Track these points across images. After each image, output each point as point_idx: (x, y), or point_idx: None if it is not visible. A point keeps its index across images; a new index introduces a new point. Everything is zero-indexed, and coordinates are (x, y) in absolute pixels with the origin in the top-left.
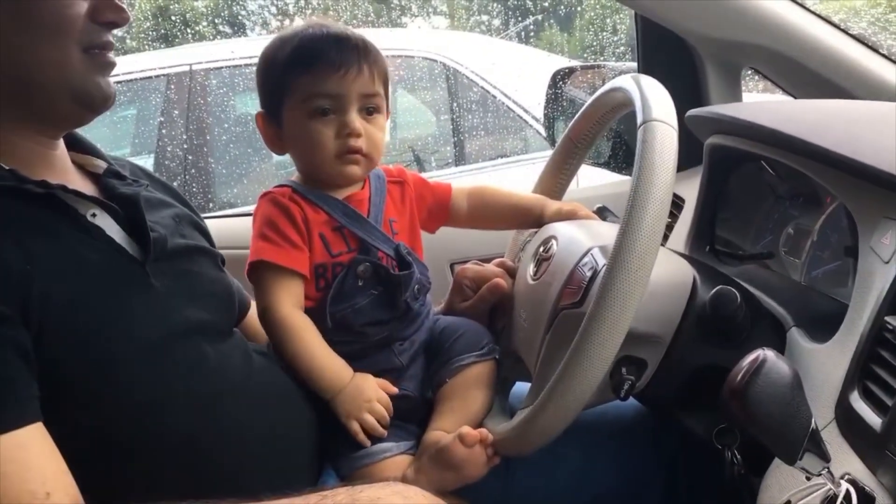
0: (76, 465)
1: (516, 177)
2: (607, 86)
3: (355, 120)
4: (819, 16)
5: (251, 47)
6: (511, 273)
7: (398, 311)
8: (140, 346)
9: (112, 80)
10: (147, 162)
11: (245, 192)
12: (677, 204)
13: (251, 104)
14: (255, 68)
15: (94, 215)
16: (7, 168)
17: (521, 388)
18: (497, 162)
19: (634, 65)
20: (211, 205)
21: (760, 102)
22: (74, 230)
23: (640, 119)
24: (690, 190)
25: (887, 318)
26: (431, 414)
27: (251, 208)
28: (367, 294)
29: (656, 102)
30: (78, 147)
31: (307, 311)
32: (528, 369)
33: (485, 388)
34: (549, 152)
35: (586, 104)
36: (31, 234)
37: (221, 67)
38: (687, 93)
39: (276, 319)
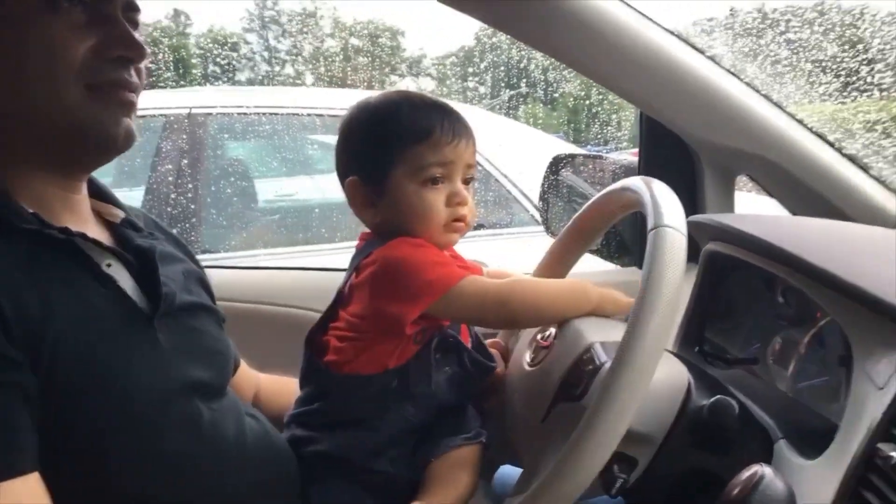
0: None
1: (499, 249)
2: (618, 184)
3: (463, 189)
4: (817, 134)
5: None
6: (504, 356)
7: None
8: (140, 401)
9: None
10: (136, 195)
11: (231, 236)
12: None
13: (241, 150)
14: (252, 116)
15: (109, 265)
16: (31, 212)
17: (505, 471)
18: (480, 232)
19: (630, 157)
20: (203, 247)
21: (763, 216)
22: (90, 279)
23: (650, 223)
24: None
25: (880, 446)
26: (416, 492)
27: (241, 256)
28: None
29: (667, 208)
30: (98, 194)
31: (406, 366)
32: (516, 453)
33: (471, 471)
34: (534, 228)
35: (595, 197)
36: (50, 279)
37: (219, 113)
38: (683, 193)
39: (495, 292)
